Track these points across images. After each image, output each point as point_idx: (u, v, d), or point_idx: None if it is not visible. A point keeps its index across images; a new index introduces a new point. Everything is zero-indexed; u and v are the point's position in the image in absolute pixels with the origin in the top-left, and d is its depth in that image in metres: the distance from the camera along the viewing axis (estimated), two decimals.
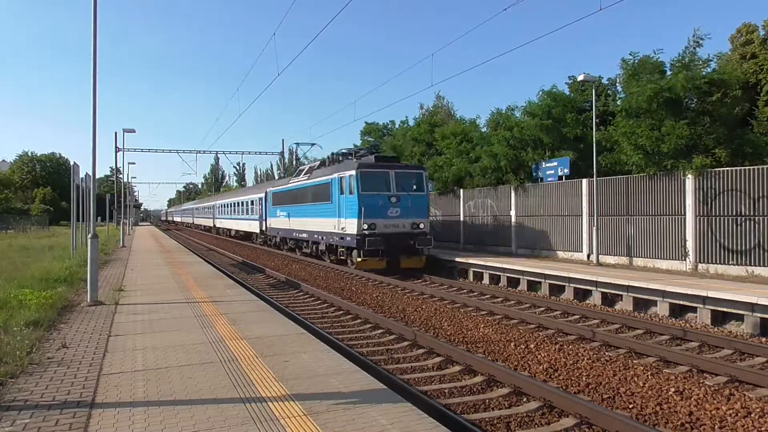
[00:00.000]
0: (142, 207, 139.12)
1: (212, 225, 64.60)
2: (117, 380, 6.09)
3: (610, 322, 11.98)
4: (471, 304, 13.61)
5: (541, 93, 24.57)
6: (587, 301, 15.07)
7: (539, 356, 9.19)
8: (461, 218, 27.93)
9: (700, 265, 16.35)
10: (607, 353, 9.21)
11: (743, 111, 21.04)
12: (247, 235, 45.08)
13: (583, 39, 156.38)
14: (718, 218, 16.01)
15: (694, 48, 21.24)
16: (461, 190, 28.01)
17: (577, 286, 15.44)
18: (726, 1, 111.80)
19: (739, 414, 6.55)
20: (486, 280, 19.33)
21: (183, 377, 6.14)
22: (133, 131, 37.38)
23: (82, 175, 22.58)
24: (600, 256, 19.49)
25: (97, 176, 12.76)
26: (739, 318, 11.44)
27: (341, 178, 22.29)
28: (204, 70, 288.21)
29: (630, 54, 25.82)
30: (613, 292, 14.38)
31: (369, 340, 10.75)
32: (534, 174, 23.90)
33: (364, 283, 18.29)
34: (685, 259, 16.82)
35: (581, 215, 20.80)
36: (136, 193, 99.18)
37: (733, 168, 16.10)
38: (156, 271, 17.90)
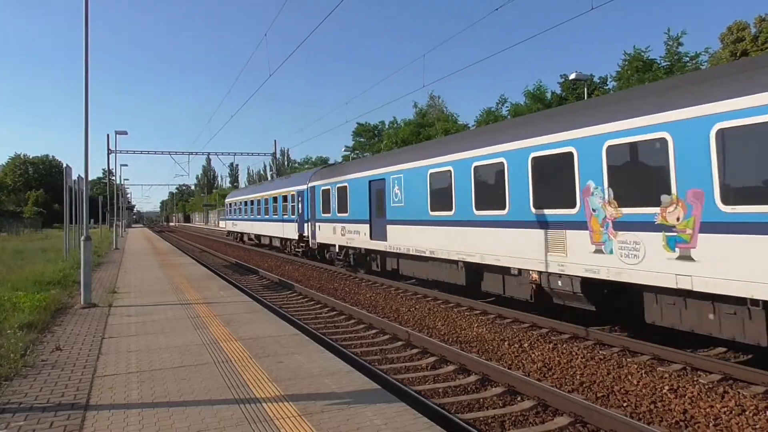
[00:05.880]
0: (134, 209, 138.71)
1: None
2: (111, 382, 6.07)
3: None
4: (465, 304, 13.62)
5: (525, 95, 24.83)
6: None
7: (533, 355, 9.22)
8: None
9: None
10: (600, 352, 9.25)
11: None
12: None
13: (575, 38, 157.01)
14: None
15: (676, 47, 21.79)
16: None
17: None
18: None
19: (733, 411, 6.59)
20: None
21: (177, 379, 6.13)
22: (125, 133, 37.23)
23: (74, 177, 22.47)
24: None
25: (89, 178, 12.72)
26: None
27: None
28: (196, 71, 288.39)
29: (624, 59, 26.29)
30: None
31: (363, 340, 10.74)
32: None
33: (357, 284, 18.27)
34: None
35: None
36: (128, 195, 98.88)
37: None
38: (149, 273, 17.84)
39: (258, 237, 37.52)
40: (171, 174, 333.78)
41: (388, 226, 16.70)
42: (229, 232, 50.30)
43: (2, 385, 5.99)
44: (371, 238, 18.01)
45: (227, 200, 52.20)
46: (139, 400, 5.44)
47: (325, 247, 23.09)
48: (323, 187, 22.62)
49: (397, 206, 16.23)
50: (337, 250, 21.36)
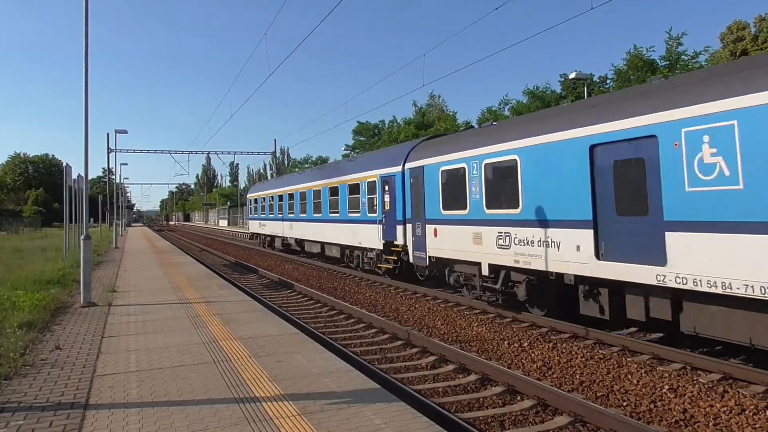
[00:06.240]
0: (134, 208, 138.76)
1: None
2: (111, 381, 6.07)
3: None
4: (464, 303, 13.61)
5: (526, 93, 24.93)
6: None
7: (533, 354, 9.21)
8: None
9: None
10: (600, 351, 9.24)
11: None
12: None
13: (575, 37, 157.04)
14: None
15: (676, 47, 22.05)
16: None
17: None
18: None
19: (733, 411, 6.58)
20: None
21: (177, 378, 6.13)
22: (125, 132, 37.23)
23: (74, 176, 22.45)
24: None
25: (89, 177, 12.72)
26: None
27: None
28: (196, 71, 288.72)
29: (623, 59, 26.41)
30: None
31: (362, 339, 10.74)
32: None
33: (357, 283, 18.25)
34: None
35: None
36: (128, 194, 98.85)
37: None
38: (149, 272, 17.83)
39: (300, 243, 27.40)
40: (171, 173, 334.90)
41: (670, 236, 8.31)
42: (254, 235, 38.41)
43: (2, 384, 5.99)
44: (599, 256, 9.57)
45: (250, 195, 39.89)
46: (139, 400, 5.43)
47: (446, 264, 14.53)
48: (446, 166, 14.12)
49: (712, 191, 7.73)
50: (485, 271, 12.57)
